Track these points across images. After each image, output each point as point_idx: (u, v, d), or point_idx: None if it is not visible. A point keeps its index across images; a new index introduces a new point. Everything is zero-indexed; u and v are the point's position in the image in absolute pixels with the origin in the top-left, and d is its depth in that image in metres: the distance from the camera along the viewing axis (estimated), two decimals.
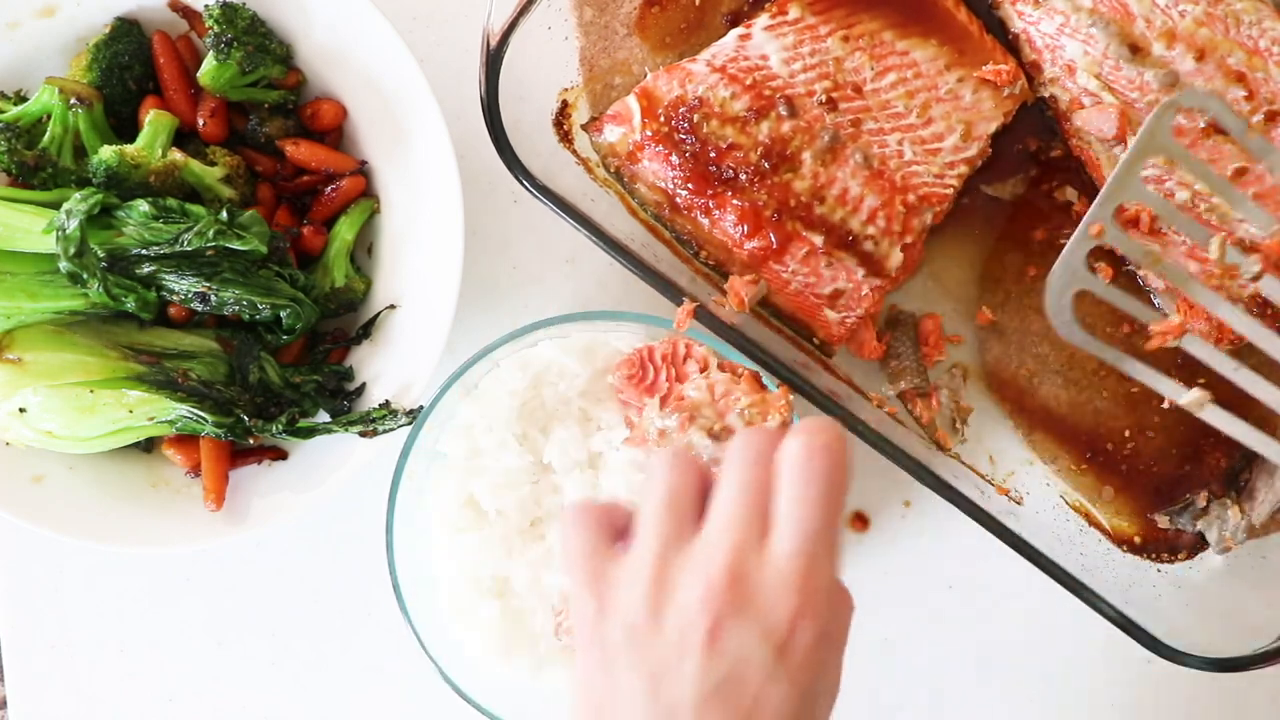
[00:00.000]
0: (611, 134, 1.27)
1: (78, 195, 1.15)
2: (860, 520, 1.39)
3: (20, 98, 1.26)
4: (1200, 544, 1.31)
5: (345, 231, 1.29)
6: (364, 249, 1.33)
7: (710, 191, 1.24)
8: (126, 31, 1.26)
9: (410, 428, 1.22)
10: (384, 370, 1.28)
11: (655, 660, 0.76)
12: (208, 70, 1.24)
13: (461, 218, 1.23)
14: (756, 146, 1.24)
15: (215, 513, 1.27)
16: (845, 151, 1.25)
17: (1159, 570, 1.31)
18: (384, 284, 1.30)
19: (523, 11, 1.17)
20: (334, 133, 1.31)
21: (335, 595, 1.42)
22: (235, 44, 1.22)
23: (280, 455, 1.29)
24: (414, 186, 1.27)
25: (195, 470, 1.28)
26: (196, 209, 1.20)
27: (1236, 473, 1.32)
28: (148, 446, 1.31)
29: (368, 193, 1.31)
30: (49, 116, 1.23)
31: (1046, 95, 1.29)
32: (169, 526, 1.28)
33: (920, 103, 1.26)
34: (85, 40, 1.26)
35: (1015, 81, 1.26)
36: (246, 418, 1.21)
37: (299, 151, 1.28)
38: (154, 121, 1.22)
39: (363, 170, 1.30)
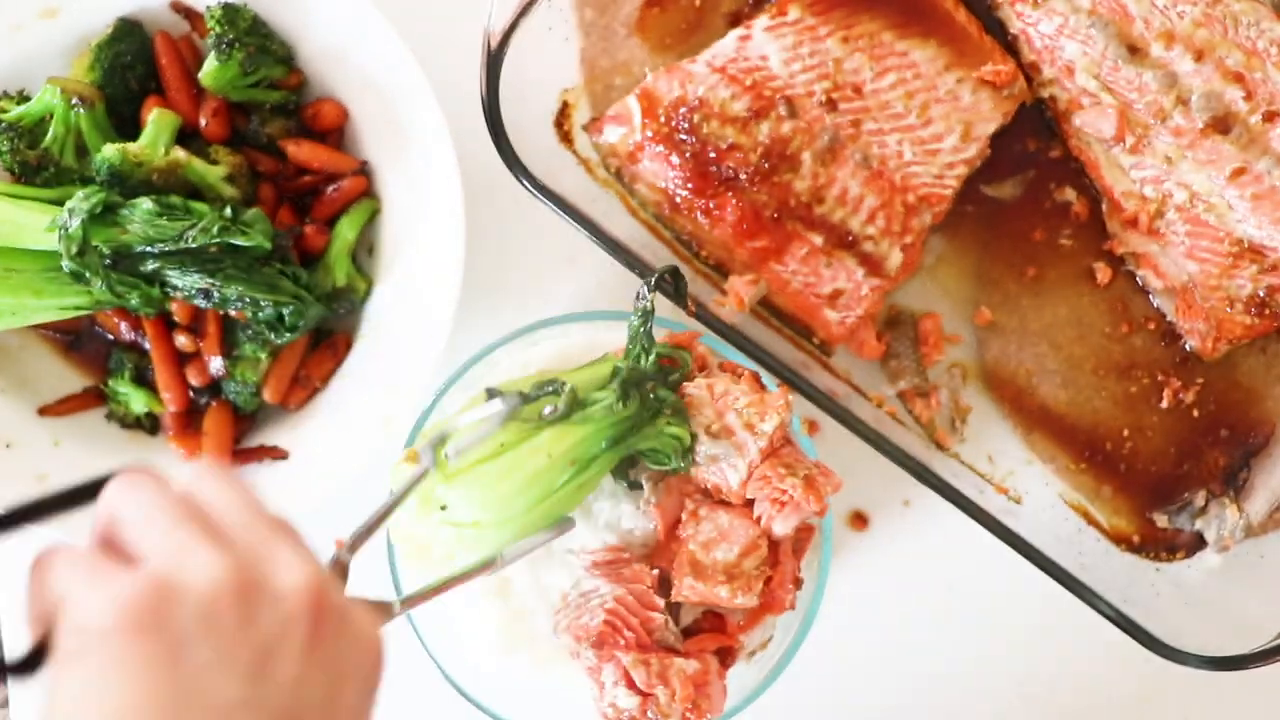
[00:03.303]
0: (612, 134, 1.28)
1: (80, 194, 1.16)
2: (860, 519, 1.40)
3: (23, 98, 1.27)
4: (1199, 543, 1.32)
5: (347, 231, 1.29)
6: (365, 249, 1.33)
7: (710, 192, 1.24)
8: (128, 32, 1.26)
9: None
10: (384, 370, 1.28)
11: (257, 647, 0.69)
12: (209, 71, 1.24)
13: (462, 218, 1.24)
14: (756, 147, 1.24)
15: None
16: (845, 152, 1.25)
17: (1158, 569, 1.31)
18: (385, 284, 1.30)
19: (523, 12, 1.18)
20: (335, 133, 1.31)
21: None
22: (237, 45, 1.22)
23: (281, 455, 1.30)
24: (415, 187, 1.27)
25: None
26: (200, 206, 1.20)
27: (1235, 472, 1.32)
28: (153, 429, 1.32)
29: (369, 193, 1.31)
30: (51, 116, 1.23)
31: (1046, 96, 1.30)
32: None
33: (920, 103, 1.26)
34: (87, 41, 1.26)
35: (1014, 82, 1.27)
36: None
37: (300, 151, 1.28)
38: (157, 120, 1.22)
39: (364, 170, 1.30)
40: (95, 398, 1.32)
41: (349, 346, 1.32)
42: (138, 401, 1.29)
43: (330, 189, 1.29)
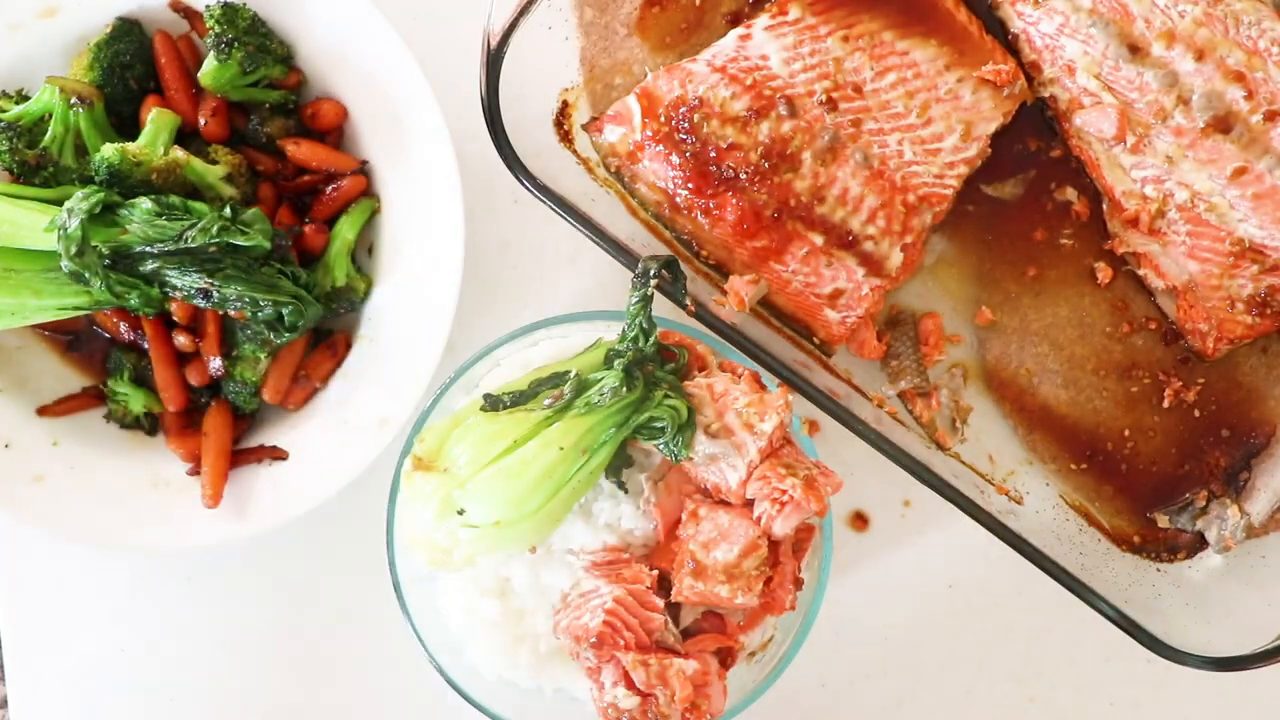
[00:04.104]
0: (612, 134, 1.28)
1: (79, 194, 1.16)
2: (860, 520, 1.40)
3: (22, 97, 1.27)
4: (1200, 543, 1.32)
5: (346, 231, 1.29)
6: (364, 249, 1.33)
7: (710, 191, 1.24)
8: (127, 31, 1.26)
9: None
10: (384, 370, 1.28)
11: None
12: (209, 70, 1.24)
13: (462, 218, 1.24)
14: (757, 146, 1.24)
15: (215, 512, 1.27)
16: (845, 151, 1.25)
17: (1158, 570, 1.31)
18: (384, 284, 1.30)
19: (523, 12, 1.18)
20: (334, 133, 1.31)
21: (336, 595, 1.42)
22: (236, 44, 1.22)
23: (281, 455, 1.30)
24: (414, 186, 1.27)
25: (197, 468, 1.28)
26: (200, 206, 1.20)
27: (1236, 472, 1.32)
28: (152, 429, 1.33)
29: (368, 192, 1.31)
30: (50, 116, 1.23)
31: (1046, 95, 1.30)
32: (169, 526, 1.28)
33: (920, 103, 1.26)
34: (86, 40, 1.26)
35: (1015, 82, 1.26)
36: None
37: (300, 151, 1.28)
38: (156, 119, 1.22)
39: (363, 170, 1.30)
40: (94, 398, 1.32)
41: (349, 346, 1.32)
42: (137, 401, 1.29)
43: (330, 189, 1.29)
